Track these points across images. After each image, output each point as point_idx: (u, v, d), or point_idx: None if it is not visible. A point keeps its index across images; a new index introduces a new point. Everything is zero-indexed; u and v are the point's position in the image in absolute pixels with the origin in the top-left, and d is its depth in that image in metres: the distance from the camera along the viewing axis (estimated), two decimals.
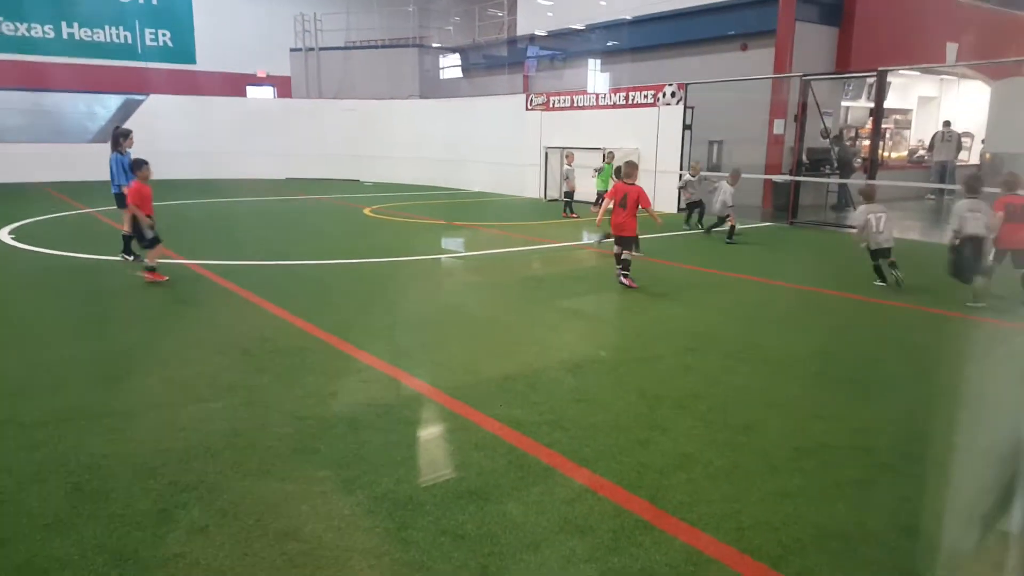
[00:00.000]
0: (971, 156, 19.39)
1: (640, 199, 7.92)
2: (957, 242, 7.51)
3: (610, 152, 15.19)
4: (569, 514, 3.09)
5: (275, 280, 8.25)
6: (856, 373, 5.17)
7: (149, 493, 3.23)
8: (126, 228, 8.49)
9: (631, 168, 8.15)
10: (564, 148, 16.81)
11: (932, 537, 3.00)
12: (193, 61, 29.15)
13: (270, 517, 3.05)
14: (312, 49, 27.81)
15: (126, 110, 24.85)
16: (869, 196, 8.43)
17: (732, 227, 11.52)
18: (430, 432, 4.05)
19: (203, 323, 6.39)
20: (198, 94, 25.74)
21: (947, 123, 17.89)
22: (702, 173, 13.82)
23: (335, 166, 24.55)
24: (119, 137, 8.99)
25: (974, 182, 7.81)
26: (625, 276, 7.97)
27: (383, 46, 28.09)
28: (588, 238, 11.79)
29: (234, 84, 28.77)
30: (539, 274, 9.27)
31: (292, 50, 28.30)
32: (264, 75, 30.21)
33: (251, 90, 29.80)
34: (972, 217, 7.46)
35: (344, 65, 27.64)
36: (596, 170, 15.34)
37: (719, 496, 3.28)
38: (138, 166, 7.99)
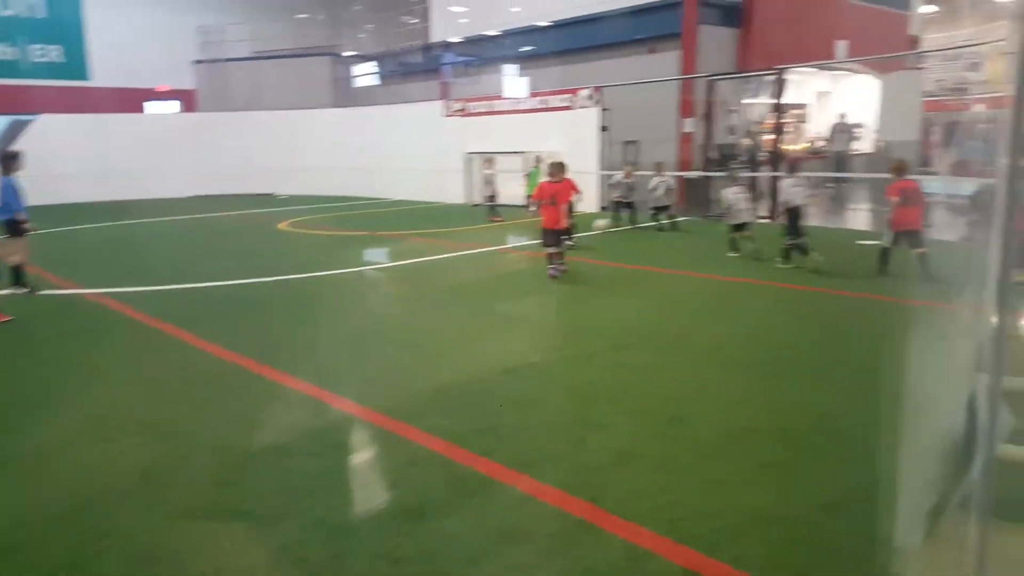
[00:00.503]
0: (865, 145, 20.58)
1: (565, 193, 8.71)
2: (784, 212, 9.14)
3: (538, 156, 15.34)
4: (509, 523, 3.08)
5: (185, 304, 7.83)
6: (774, 357, 5.39)
7: (60, 544, 3.01)
8: (17, 259, 7.94)
9: (556, 168, 8.75)
10: (485, 153, 16.84)
11: (854, 514, 3.14)
12: (86, 77, 27.61)
13: (192, 559, 2.89)
14: (217, 61, 26.85)
15: (13, 132, 23.28)
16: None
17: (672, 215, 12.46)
18: (361, 453, 3.96)
19: (109, 355, 6.02)
20: (94, 111, 24.41)
21: (842, 115, 18.95)
22: (636, 175, 14.11)
23: (246, 181, 23.75)
24: (7, 160, 8.37)
25: (795, 164, 9.37)
26: (556, 267, 8.49)
27: (293, 55, 27.38)
28: (515, 241, 11.84)
29: (134, 100, 27.40)
30: (467, 280, 9.24)
31: (196, 62, 27.23)
32: (166, 89, 28.94)
33: (151, 105, 28.45)
34: (795, 192, 9.13)
35: (252, 76, 26.77)
36: (525, 175, 15.46)
37: (655, 489, 3.35)
38: None
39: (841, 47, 20.13)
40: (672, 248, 11.39)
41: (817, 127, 23.04)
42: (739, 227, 9.81)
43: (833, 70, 22.28)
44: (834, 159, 18.82)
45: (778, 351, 5.58)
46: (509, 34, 21.81)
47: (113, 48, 27.37)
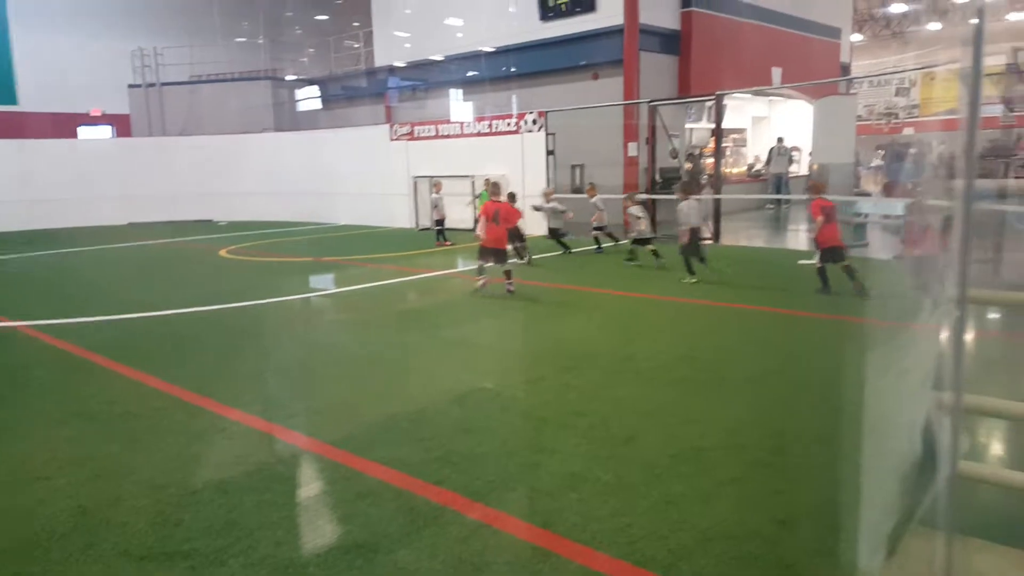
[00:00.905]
0: (801, 167, 21.40)
1: (509, 214, 9.22)
2: (685, 231, 9.75)
3: (487, 179, 15.43)
4: (464, 553, 3.01)
5: (121, 336, 7.52)
6: (721, 374, 5.48)
7: None
8: None
9: (495, 187, 9.42)
10: (432, 177, 16.81)
11: (809, 529, 3.18)
12: (14, 102, 26.56)
13: None
14: (153, 85, 26.21)
15: None
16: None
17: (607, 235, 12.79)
18: (308, 486, 3.83)
19: (38, 391, 5.70)
20: (23, 137, 23.46)
21: (780, 139, 19.69)
22: (556, 196, 14.24)
23: (185, 207, 23.11)
24: None
25: (689, 186, 10.22)
26: (509, 284, 8.93)
27: (233, 79, 26.95)
28: (464, 265, 11.79)
29: (66, 124, 26.47)
30: (416, 305, 9.14)
31: (131, 86, 26.51)
32: (99, 113, 28.09)
33: (84, 130, 27.53)
34: (691, 214, 9.80)
35: (190, 100, 26.20)
36: (475, 196, 15.53)
37: (608, 512, 3.33)
38: None
39: (776, 74, 20.98)
40: (613, 269, 11.53)
41: (755, 151, 23.90)
42: (641, 241, 11.02)
43: (769, 96, 23.18)
44: (773, 181, 19.48)
45: (725, 369, 5.67)
46: (453, 59, 21.97)
47: (44, 72, 26.48)
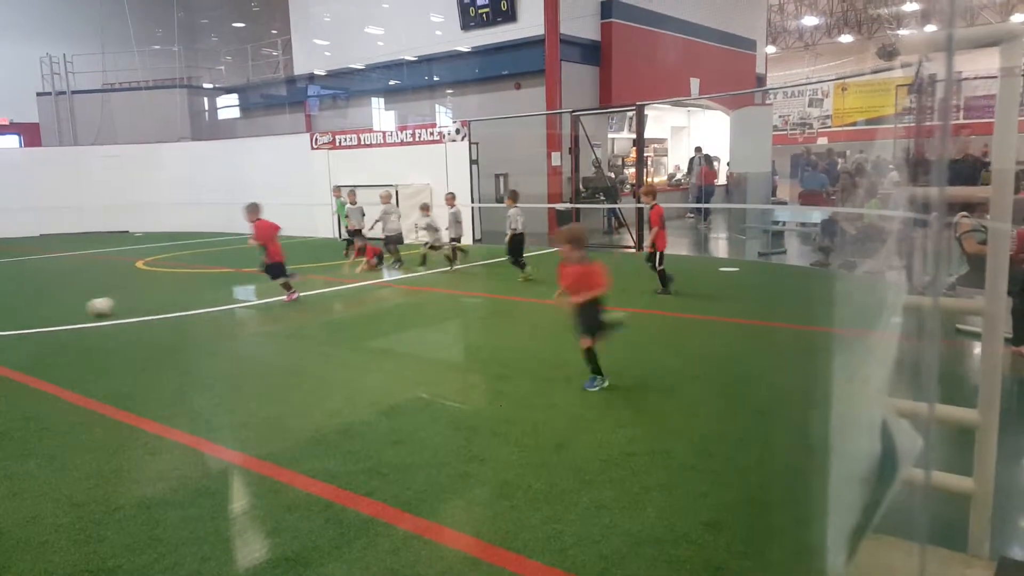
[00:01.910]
0: (720, 177, 22.21)
1: (259, 229, 9.15)
2: (509, 235, 10.71)
3: (348, 189, 15.33)
4: (395, 564, 2.99)
5: (35, 350, 7.14)
6: (646, 381, 5.61)
7: None
8: None
9: (253, 208, 9.28)
10: (347, 187, 16.56)
11: (735, 530, 3.30)
12: None
13: None
14: (63, 93, 24.93)
15: None
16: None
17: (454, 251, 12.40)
18: (235, 500, 3.71)
19: None
20: None
21: (698, 148, 20.38)
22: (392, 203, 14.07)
23: (99, 218, 22.04)
24: None
25: (515, 194, 11.26)
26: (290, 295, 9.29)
27: (147, 87, 25.92)
28: (388, 275, 11.68)
29: None
30: (340, 316, 8.99)
31: (40, 94, 25.16)
32: (6, 122, 26.50)
33: None
34: (516, 219, 10.79)
35: (102, 109, 25.03)
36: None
37: (540, 519, 3.36)
38: None
39: (695, 84, 21.71)
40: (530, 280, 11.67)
41: (675, 160, 24.66)
42: (433, 247, 12.10)
43: (688, 106, 23.97)
44: (694, 191, 20.10)
45: (651, 375, 5.80)
46: (375, 68, 21.77)
47: None
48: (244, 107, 27.33)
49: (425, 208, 12.81)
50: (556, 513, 3.41)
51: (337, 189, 15.87)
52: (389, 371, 6.18)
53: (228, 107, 27.65)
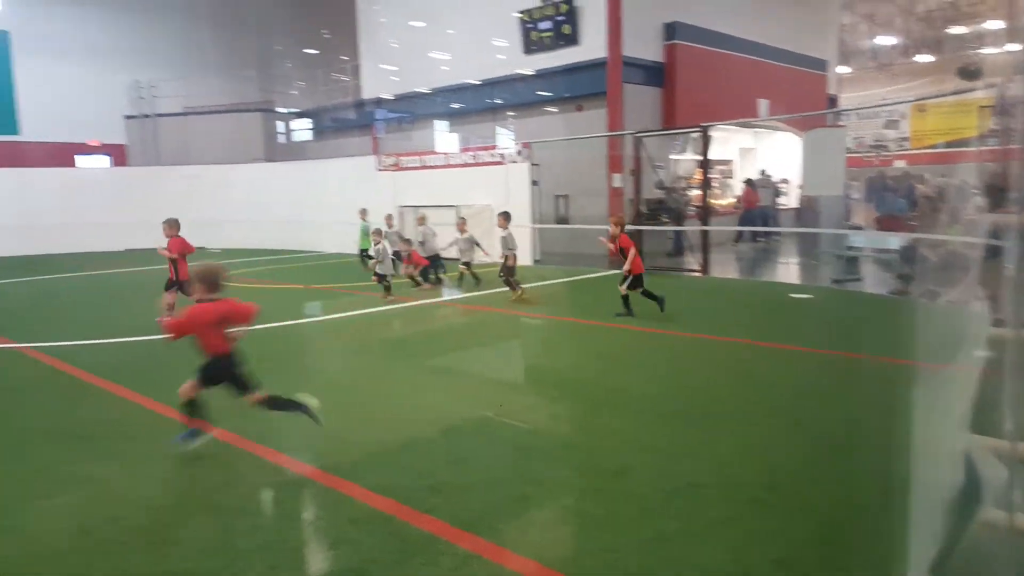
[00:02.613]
0: (791, 200, 21.67)
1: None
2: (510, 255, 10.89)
3: (363, 210, 16.01)
4: None
5: (117, 358, 7.55)
6: (712, 409, 5.46)
7: None
8: None
9: (171, 224, 9.53)
10: (418, 207, 16.91)
11: (805, 568, 3.17)
12: (16, 131, 26.68)
13: None
14: (148, 116, 26.49)
15: None
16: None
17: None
18: (301, 510, 3.81)
19: (36, 411, 5.69)
20: (22, 166, 23.75)
21: (763, 171, 19.97)
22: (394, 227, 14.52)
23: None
24: None
25: (508, 215, 11.48)
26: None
27: (225, 111, 27.27)
28: (449, 295, 11.82)
29: (65, 154, 26.75)
30: (402, 334, 9.15)
31: (127, 117, 26.85)
32: (97, 144, 28.28)
33: (81, 159, 27.78)
34: (512, 240, 11.12)
35: (183, 131, 26.52)
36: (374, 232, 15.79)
37: (600, 547, 3.31)
38: None
39: (763, 105, 21.31)
40: (593, 301, 11.58)
41: (742, 183, 24.13)
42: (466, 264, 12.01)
43: (755, 127, 23.54)
44: (759, 213, 19.70)
45: (715, 403, 5.64)
46: (439, 91, 22.25)
47: (45, 103, 26.75)
48: (314, 130, 28.35)
49: (461, 224, 12.74)
50: (616, 541, 3.35)
51: (363, 212, 16.12)
52: (447, 390, 6.24)
53: (300, 130, 28.74)
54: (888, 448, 3.89)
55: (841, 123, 21.44)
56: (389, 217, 15.48)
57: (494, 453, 4.57)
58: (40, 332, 8.61)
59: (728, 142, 23.74)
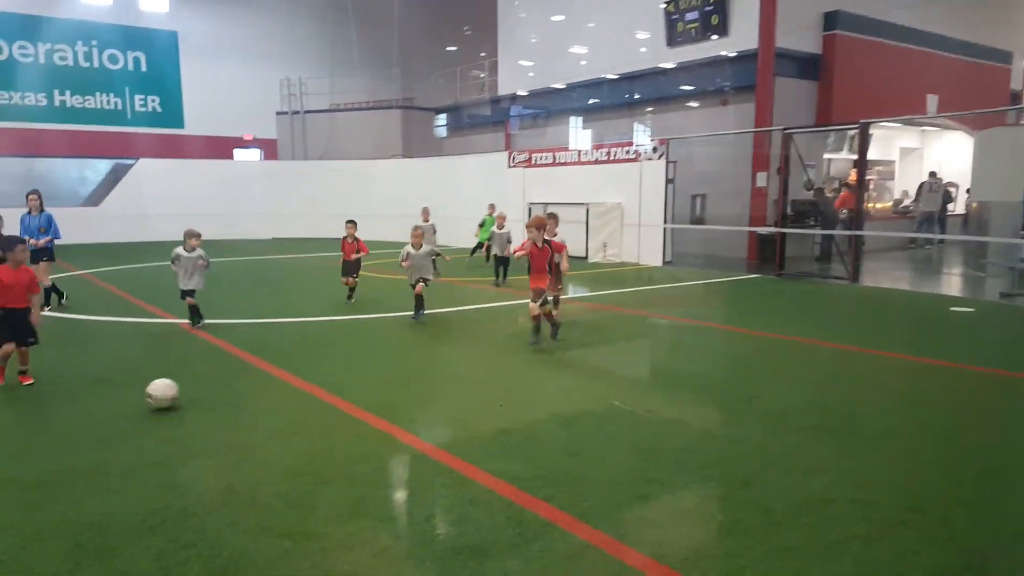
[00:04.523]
0: (958, 205, 19.76)
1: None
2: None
3: (491, 204, 16.11)
4: (571, 570, 3.00)
5: (264, 337, 8.19)
6: (852, 424, 5.09)
7: (149, 551, 3.17)
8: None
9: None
10: (546, 204, 16.98)
11: None
12: (181, 125, 29.68)
13: (271, 574, 2.99)
14: (297, 112, 28.37)
15: (116, 174, 25.07)
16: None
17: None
18: (426, 487, 3.96)
19: (193, 380, 6.25)
20: (186, 157, 26.09)
21: (933, 174, 18.26)
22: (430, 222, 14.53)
23: (320, 226, 24.70)
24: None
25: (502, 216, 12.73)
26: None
27: (367, 108, 28.70)
28: (575, 292, 11.79)
29: (221, 147, 29.23)
30: (526, 328, 9.21)
31: (278, 113, 28.89)
32: (251, 138, 30.72)
33: (238, 153, 30.25)
34: (503, 240, 12.44)
35: (329, 127, 28.17)
36: (480, 224, 15.97)
37: (722, 552, 3.20)
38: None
39: (932, 101, 19.50)
40: (731, 306, 11.10)
41: (903, 185, 22.23)
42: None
43: (922, 126, 21.60)
44: (922, 219, 18.11)
45: (857, 419, 5.24)
46: (575, 87, 22.21)
47: (205, 99, 29.44)
48: (451, 126, 29.24)
49: (501, 218, 13.52)
50: (739, 549, 3.22)
51: (491, 206, 16.35)
52: (569, 385, 6.22)
53: (437, 126, 29.76)
54: None
55: None
56: (425, 210, 15.39)
57: (615, 450, 4.50)
58: (203, 311, 9.44)
59: (890, 141, 21.96)
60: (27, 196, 9.88)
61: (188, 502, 3.68)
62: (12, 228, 9.11)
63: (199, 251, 8.40)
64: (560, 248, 7.68)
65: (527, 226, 7.64)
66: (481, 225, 15.97)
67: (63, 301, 10.08)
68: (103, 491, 3.83)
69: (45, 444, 4.66)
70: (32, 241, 9.34)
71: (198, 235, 8.47)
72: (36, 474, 4.07)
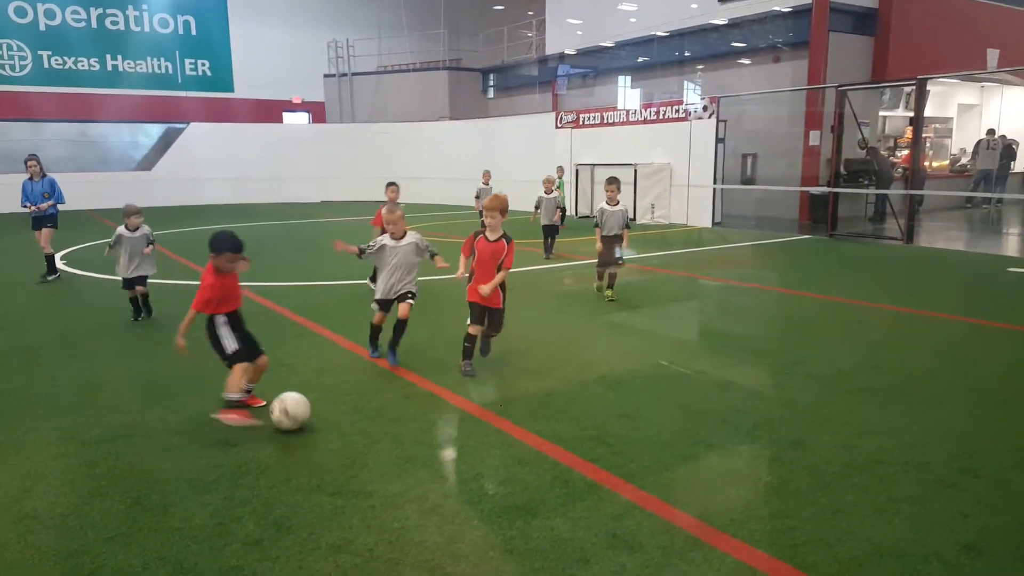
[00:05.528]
0: (1020, 164, 18.88)
1: None
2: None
3: (560, 167, 15.66)
4: (617, 530, 3.05)
5: (312, 300, 8.37)
6: (905, 386, 5.03)
7: (205, 507, 3.30)
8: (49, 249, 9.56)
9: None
10: (593, 165, 16.80)
11: (999, 556, 2.88)
12: (231, 89, 30.02)
13: (323, 530, 3.09)
14: (345, 75, 28.40)
15: (167, 138, 25.62)
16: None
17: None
18: (474, 447, 4.04)
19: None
20: (235, 121, 26.44)
21: (991, 131, 17.49)
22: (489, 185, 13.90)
23: (368, 188, 24.70)
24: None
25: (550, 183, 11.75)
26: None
27: (414, 70, 28.55)
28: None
29: (270, 110, 29.53)
30: (573, 290, 9.24)
31: (326, 76, 28.92)
32: (299, 101, 30.93)
33: (287, 116, 30.51)
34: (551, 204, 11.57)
35: (376, 89, 28.14)
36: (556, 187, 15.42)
37: (770, 512, 3.21)
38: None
39: (992, 56, 18.57)
40: (782, 266, 10.89)
41: (960, 143, 21.36)
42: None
43: (981, 81, 20.62)
44: (978, 178, 17.41)
45: (910, 382, 5.18)
46: (623, 45, 21.70)
47: (253, 63, 29.63)
48: (498, 87, 28.90)
49: (548, 182, 12.27)
50: (788, 509, 3.23)
51: (560, 169, 15.92)
52: (617, 347, 6.24)
53: (484, 88, 29.44)
54: None
55: None
56: (487, 174, 15.10)
57: (663, 412, 4.53)
58: (254, 273, 9.68)
59: (948, 97, 21.01)
60: (26, 162, 9.54)
61: (242, 460, 3.81)
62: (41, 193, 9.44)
63: (144, 228, 7.26)
64: (510, 257, 5.72)
65: (487, 207, 5.58)
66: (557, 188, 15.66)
67: (49, 277, 9.48)
68: (161, 449, 3.98)
69: (104, 402, 4.82)
70: (35, 207, 9.38)
71: (139, 211, 7.28)
72: (96, 431, 4.23)
